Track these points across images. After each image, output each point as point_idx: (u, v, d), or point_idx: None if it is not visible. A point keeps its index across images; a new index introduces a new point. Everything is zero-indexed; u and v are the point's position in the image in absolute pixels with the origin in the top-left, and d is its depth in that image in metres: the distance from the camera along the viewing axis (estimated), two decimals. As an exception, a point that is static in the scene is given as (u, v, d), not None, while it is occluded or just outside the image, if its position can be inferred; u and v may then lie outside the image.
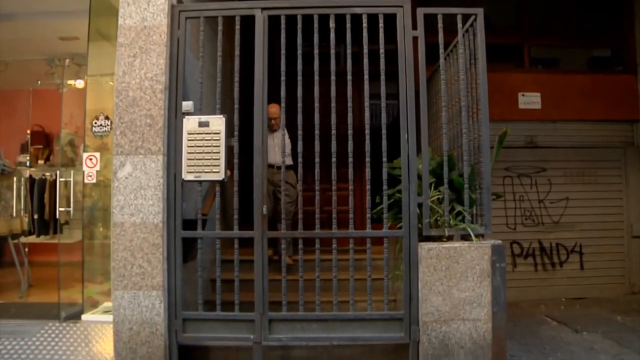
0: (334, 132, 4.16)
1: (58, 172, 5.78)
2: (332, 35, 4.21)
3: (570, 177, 7.15)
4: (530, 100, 7.02)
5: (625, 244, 7.16)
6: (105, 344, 4.40)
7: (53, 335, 4.56)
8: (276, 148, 5.79)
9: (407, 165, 4.10)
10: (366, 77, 4.20)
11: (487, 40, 4.15)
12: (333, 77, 4.16)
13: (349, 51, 4.22)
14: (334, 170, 4.15)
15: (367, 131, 4.22)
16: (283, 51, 4.21)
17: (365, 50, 4.19)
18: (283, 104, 4.24)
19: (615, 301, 6.65)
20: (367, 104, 4.24)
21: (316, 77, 4.16)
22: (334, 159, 4.16)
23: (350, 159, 4.17)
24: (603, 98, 7.09)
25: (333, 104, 4.16)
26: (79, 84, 5.93)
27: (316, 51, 4.19)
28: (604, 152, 7.18)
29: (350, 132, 4.21)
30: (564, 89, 7.04)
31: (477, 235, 4.00)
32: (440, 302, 3.90)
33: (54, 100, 6.13)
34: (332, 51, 4.21)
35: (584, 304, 6.54)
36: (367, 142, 4.19)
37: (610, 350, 4.58)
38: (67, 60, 5.84)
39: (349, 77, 4.19)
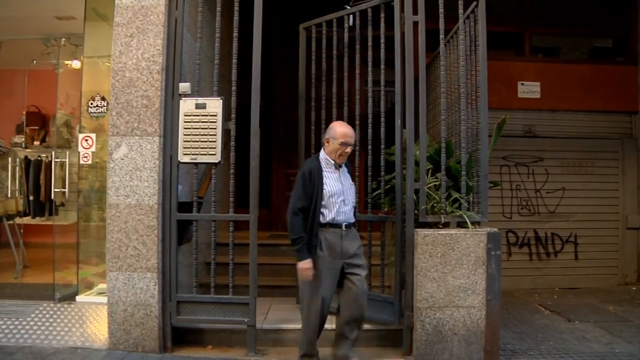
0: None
1: (54, 153, 5.75)
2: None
3: (567, 168, 7.13)
4: (529, 89, 6.98)
5: (620, 235, 7.17)
6: (99, 325, 4.41)
7: (47, 316, 4.57)
8: (345, 196, 3.57)
9: (400, 152, 4.11)
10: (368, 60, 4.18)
11: (488, 28, 4.11)
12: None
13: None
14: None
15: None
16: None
17: (370, 40, 4.16)
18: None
19: (608, 291, 6.68)
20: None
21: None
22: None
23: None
24: (603, 88, 7.05)
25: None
26: (75, 64, 5.87)
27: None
28: (602, 143, 7.15)
29: (357, 121, 4.22)
30: (563, 78, 7.00)
31: (473, 223, 3.99)
32: (434, 289, 3.91)
33: (49, 81, 6.06)
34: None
35: (577, 294, 6.57)
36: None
37: (601, 339, 4.61)
38: (63, 40, 5.77)
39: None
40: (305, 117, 4.95)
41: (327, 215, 3.47)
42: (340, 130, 3.51)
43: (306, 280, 3.41)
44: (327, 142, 3.55)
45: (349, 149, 3.52)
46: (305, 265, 3.37)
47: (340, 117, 4.46)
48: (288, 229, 3.43)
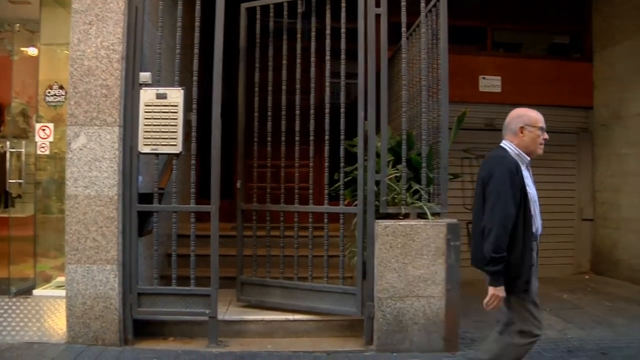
0: (297, 111, 4.16)
1: (9, 143, 5.55)
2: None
3: (526, 161, 7.31)
4: (490, 83, 7.12)
5: (576, 227, 7.42)
6: (57, 318, 4.32)
7: (2, 311, 4.44)
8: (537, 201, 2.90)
9: (363, 143, 4.13)
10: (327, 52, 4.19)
11: (450, 22, 4.17)
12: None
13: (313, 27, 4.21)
14: (296, 147, 4.15)
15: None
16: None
17: (328, 29, 4.17)
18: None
19: (564, 280, 6.90)
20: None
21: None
22: (297, 138, 4.18)
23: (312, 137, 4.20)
24: (561, 84, 7.24)
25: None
26: (32, 51, 5.67)
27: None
28: (560, 137, 7.32)
29: (312, 110, 4.24)
30: (524, 73, 7.15)
31: (433, 214, 4.07)
32: (395, 279, 3.97)
33: (4, 68, 5.84)
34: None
35: (535, 283, 6.78)
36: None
37: (555, 325, 4.78)
38: (17, 25, 5.56)
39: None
40: (246, 105, 4.80)
41: (534, 225, 2.82)
42: (534, 115, 2.90)
43: (495, 308, 2.77)
44: (521, 132, 2.84)
45: (546, 135, 2.92)
46: (501, 292, 2.71)
47: (291, 106, 4.43)
48: (490, 243, 2.66)
